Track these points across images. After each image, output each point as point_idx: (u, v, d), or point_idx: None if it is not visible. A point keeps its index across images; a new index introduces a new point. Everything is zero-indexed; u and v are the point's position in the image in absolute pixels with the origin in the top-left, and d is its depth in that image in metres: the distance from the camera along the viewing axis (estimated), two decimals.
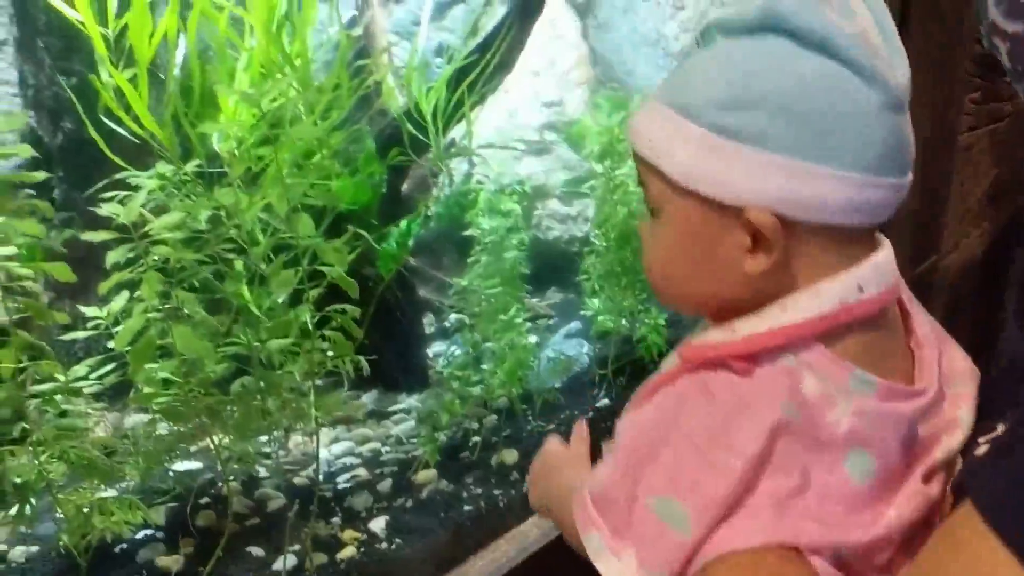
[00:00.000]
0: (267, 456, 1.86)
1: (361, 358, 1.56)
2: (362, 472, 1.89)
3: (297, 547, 1.59)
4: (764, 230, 0.77)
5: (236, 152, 1.60)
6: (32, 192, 1.19)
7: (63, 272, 1.21)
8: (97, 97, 1.59)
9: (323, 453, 1.98)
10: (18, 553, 1.52)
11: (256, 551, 1.58)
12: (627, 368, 2.26)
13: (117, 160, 1.57)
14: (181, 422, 1.49)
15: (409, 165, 2.40)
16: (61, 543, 1.44)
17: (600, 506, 0.86)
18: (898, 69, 0.77)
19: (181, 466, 1.73)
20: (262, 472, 1.83)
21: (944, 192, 2.64)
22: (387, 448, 2.02)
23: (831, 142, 0.76)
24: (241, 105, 1.70)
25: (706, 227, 0.81)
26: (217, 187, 1.55)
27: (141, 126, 1.60)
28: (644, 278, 0.94)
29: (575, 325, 2.73)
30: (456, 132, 2.41)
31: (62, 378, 1.49)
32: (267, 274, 1.38)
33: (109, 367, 1.47)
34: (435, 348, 2.53)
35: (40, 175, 1.27)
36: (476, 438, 2.02)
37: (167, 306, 1.36)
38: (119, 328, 1.35)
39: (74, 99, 1.67)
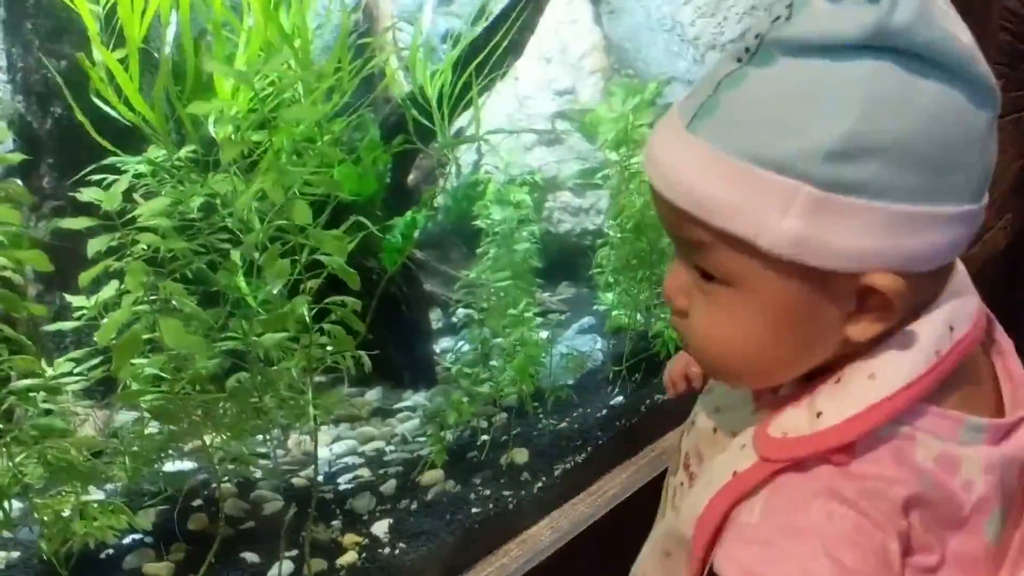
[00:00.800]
0: (264, 456, 1.78)
1: (363, 353, 1.48)
2: (365, 472, 1.81)
3: (295, 552, 1.51)
4: (889, 295, 0.66)
5: (232, 136, 1.52)
6: (16, 181, 1.10)
7: (40, 261, 1.13)
8: (88, 79, 1.51)
9: (324, 452, 1.89)
10: (4, 556, 1.44)
11: (251, 556, 1.50)
12: (643, 364, 2.17)
13: (106, 145, 1.50)
14: (171, 421, 1.42)
15: (415, 154, 2.32)
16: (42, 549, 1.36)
17: None
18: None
19: (173, 467, 1.64)
20: (259, 473, 1.74)
21: None
22: (391, 447, 1.94)
23: (952, 179, 0.66)
24: (237, 87, 1.62)
25: (805, 298, 0.69)
26: (211, 174, 1.48)
27: (132, 109, 1.53)
28: (661, 271, 0.82)
29: (588, 320, 2.64)
30: (464, 121, 2.33)
31: (48, 372, 1.42)
32: (261, 264, 1.30)
33: (96, 361, 1.39)
34: (443, 344, 2.45)
35: (17, 157, 1.19)
36: (485, 437, 1.94)
37: (154, 298, 1.28)
38: (104, 321, 1.27)
39: (62, 82, 1.60)
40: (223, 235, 1.45)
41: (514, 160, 2.67)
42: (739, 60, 0.67)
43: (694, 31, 2.91)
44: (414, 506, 1.72)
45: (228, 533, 1.55)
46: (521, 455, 1.91)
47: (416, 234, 2.07)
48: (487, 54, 1.95)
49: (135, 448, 1.45)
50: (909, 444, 0.68)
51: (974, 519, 0.69)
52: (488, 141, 2.56)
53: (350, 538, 1.60)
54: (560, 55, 2.92)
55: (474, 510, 1.73)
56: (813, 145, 0.63)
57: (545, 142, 2.93)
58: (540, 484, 1.87)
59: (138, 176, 1.43)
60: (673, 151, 0.69)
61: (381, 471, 1.82)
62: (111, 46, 1.51)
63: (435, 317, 2.55)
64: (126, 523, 1.29)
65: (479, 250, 2.05)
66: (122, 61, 1.51)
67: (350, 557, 1.55)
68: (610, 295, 2.24)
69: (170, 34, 1.47)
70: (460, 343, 1.97)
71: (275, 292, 1.36)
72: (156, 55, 1.61)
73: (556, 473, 1.91)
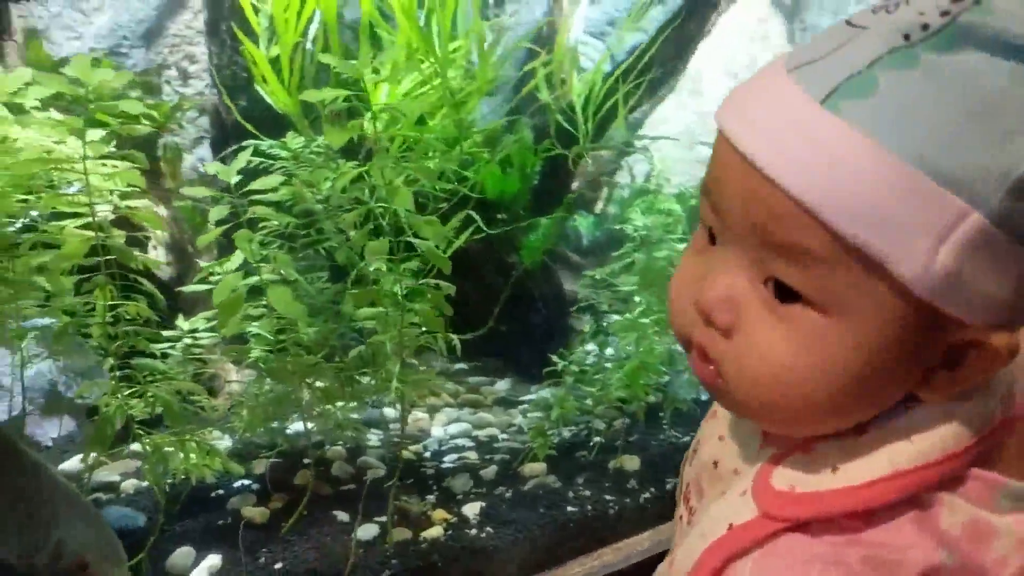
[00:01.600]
0: (379, 427, 1.90)
1: (454, 336, 1.55)
2: (471, 455, 1.88)
3: (383, 518, 1.61)
4: (1004, 355, 0.56)
5: (374, 129, 1.65)
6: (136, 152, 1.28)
7: (154, 221, 1.30)
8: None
9: (438, 432, 1.99)
10: (128, 486, 1.66)
11: (341, 515, 1.61)
12: None
13: (251, 130, 1.68)
14: (281, 379, 1.56)
15: (578, 161, 2.36)
16: (167, 482, 1.56)
17: None
18: None
19: (294, 427, 1.80)
20: (373, 441, 1.87)
21: None
22: (505, 436, 2.00)
23: None
24: (383, 85, 1.76)
25: (908, 346, 0.56)
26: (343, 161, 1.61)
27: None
28: None
29: None
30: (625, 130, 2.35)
31: (184, 326, 1.62)
32: (352, 242, 1.41)
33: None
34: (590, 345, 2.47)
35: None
36: (599, 439, 1.95)
37: (264, 265, 1.43)
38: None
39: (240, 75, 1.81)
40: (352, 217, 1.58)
41: (682, 171, 2.64)
42: (907, 37, 0.53)
43: None
44: (509, 494, 1.76)
45: (327, 491, 1.68)
46: (632, 462, 1.90)
47: (554, 236, 2.13)
48: (645, 66, 1.97)
49: (252, 404, 1.60)
50: (936, 508, 0.58)
51: None
52: (636, 148, 2.55)
53: (440, 514, 1.67)
54: (748, 71, 2.82)
55: (570, 508, 1.75)
56: (1003, 167, 0.51)
57: None
58: (648, 494, 1.84)
59: (272, 158, 1.59)
60: (796, 125, 0.54)
61: (487, 456, 1.88)
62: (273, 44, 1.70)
63: (586, 319, 2.58)
64: (220, 465, 1.43)
65: (615, 253, 2.06)
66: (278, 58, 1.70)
67: (436, 532, 1.62)
68: None
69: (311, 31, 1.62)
70: (585, 343, 1.99)
71: (372, 269, 1.46)
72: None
73: (668, 486, 1.88)
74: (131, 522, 1.53)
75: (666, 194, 2.17)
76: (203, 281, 1.51)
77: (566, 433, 2.01)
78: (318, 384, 1.53)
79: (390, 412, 2.02)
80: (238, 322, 1.43)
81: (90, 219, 1.27)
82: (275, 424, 1.69)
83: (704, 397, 2.19)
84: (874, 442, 0.59)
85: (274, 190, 1.39)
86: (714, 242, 0.62)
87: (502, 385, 2.23)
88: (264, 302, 1.45)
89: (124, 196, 1.30)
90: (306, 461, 1.70)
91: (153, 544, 1.42)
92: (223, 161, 1.52)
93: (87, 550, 1.31)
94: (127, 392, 1.29)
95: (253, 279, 1.42)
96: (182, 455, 1.39)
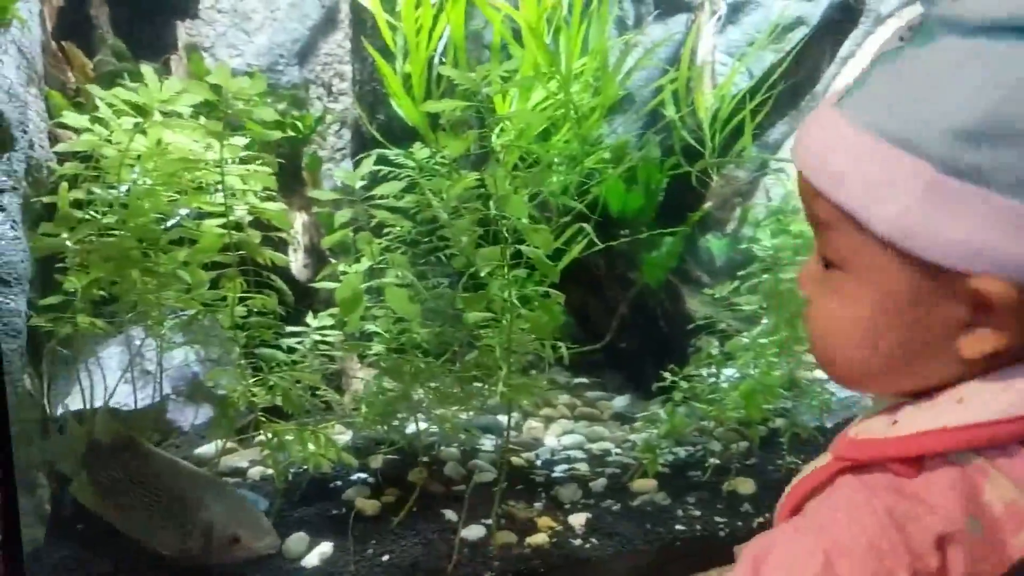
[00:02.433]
0: (493, 432, 1.94)
1: (562, 345, 1.57)
2: (582, 467, 1.89)
3: (490, 521, 1.64)
4: (996, 304, 0.59)
5: (500, 143, 1.71)
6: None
7: (281, 219, 1.39)
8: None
9: (551, 441, 2.01)
10: (255, 472, 1.76)
11: (449, 514, 1.66)
12: None
13: (381, 140, 1.76)
14: (397, 378, 1.63)
15: (705, 179, 2.34)
16: (291, 470, 1.65)
17: None
18: None
19: (413, 427, 1.86)
20: (487, 446, 1.91)
21: None
22: (618, 451, 2.00)
23: None
24: (508, 99, 1.81)
25: (913, 293, 0.62)
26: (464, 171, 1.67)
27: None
28: None
29: None
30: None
31: (312, 323, 1.71)
32: (459, 251, 1.45)
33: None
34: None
35: None
36: (713, 460, 1.91)
37: (384, 267, 1.50)
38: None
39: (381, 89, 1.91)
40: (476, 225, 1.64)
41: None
42: (901, 39, 0.64)
43: None
44: (617, 507, 1.76)
45: (438, 490, 1.74)
46: (746, 485, 1.86)
47: (677, 254, 2.12)
48: (774, 85, 1.95)
49: (371, 401, 1.68)
50: (979, 478, 0.60)
51: None
52: (771, 170, 2.50)
53: (545, 521, 1.69)
54: None
55: (678, 527, 1.73)
56: (944, 122, 0.58)
57: None
58: (762, 519, 1.80)
59: (400, 167, 1.66)
60: (815, 126, 0.66)
61: (597, 469, 1.89)
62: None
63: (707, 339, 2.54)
64: (336, 455, 1.51)
65: (741, 273, 2.02)
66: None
67: (540, 538, 1.64)
68: None
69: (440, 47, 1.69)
70: (701, 362, 1.95)
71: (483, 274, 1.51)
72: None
73: None
74: (255, 505, 1.63)
75: (800, 217, 2.11)
76: (329, 279, 1.60)
77: (681, 452, 1.99)
78: (432, 385, 1.58)
79: (505, 419, 2.06)
80: (358, 319, 1.51)
81: (228, 219, 1.38)
82: (395, 423, 1.76)
83: (829, 425, 2.11)
84: (934, 404, 0.64)
85: (397, 196, 1.45)
86: None
87: (620, 401, 2.23)
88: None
89: (259, 198, 1.40)
90: (420, 460, 1.76)
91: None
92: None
93: (235, 525, 1.42)
94: (252, 380, 1.39)
95: (374, 281, 1.50)
96: (300, 445, 1.47)
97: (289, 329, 1.60)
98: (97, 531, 1.52)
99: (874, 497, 0.62)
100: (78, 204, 1.49)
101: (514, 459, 1.88)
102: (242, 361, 1.40)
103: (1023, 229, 0.57)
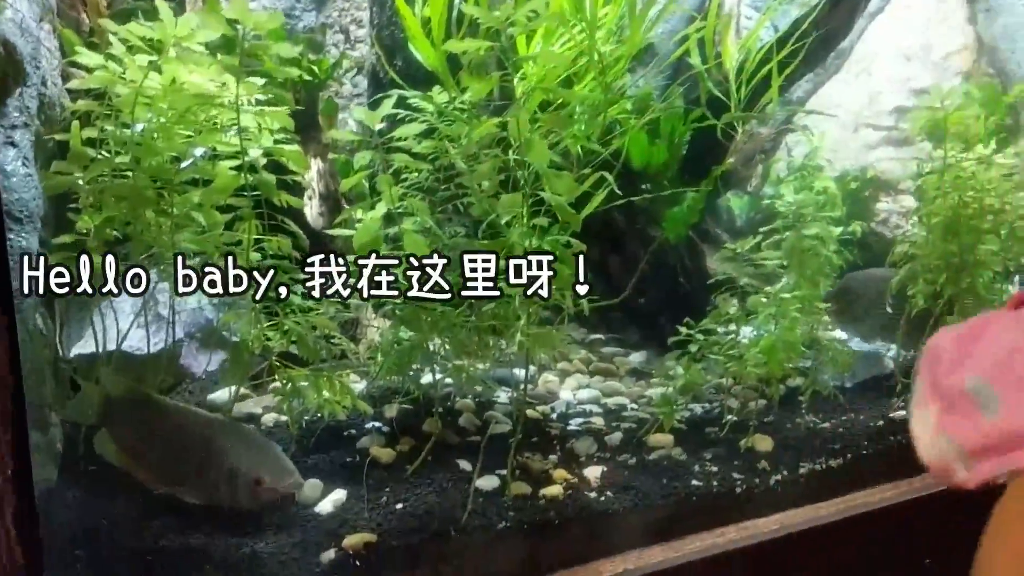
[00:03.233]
0: (509, 385, 1.92)
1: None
2: (598, 421, 1.87)
3: (504, 472, 1.63)
4: None
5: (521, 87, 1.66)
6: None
7: (298, 160, 1.36)
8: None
9: (567, 395, 1.99)
10: (269, 419, 1.75)
11: (464, 464, 1.64)
12: None
13: (400, 82, 1.72)
14: (412, 328, 1.61)
15: (730, 133, 2.29)
16: (305, 418, 1.64)
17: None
18: None
19: (428, 377, 1.84)
20: (502, 398, 1.89)
21: None
22: (634, 406, 1.97)
23: None
24: (537, 44, 1.76)
25: None
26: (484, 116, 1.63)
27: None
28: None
29: None
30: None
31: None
32: (478, 199, 1.42)
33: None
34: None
35: None
36: (731, 417, 1.89)
37: (402, 212, 1.47)
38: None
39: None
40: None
41: (844, 155, 2.51)
42: None
43: None
44: (633, 461, 1.74)
45: (453, 440, 1.72)
46: (764, 443, 1.83)
47: (699, 210, 2.07)
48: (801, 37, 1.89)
49: (387, 350, 1.65)
50: None
51: None
52: (796, 126, 2.44)
53: (560, 473, 1.67)
54: (922, 53, 2.66)
55: (694, 482, 1.71)
56: None
57: (894, 141, 2.69)
58: (780, 476, 1.78)
59: (418, 111, 1.62)
60: None
61: (613, 424, 1.87)
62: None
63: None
64: (351, 402, 1.49)
65: (762, 229, 1.98)
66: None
67: (555, 490, 1.62)
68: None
69: None
70: (720, 317, 1.92)
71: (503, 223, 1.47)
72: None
73: (801, 470, 1.81)
74: None
75: (824, 174, 2.06)
76: (344, 225, 1.57)
77: (698, 409, 1.97)
78: (449, 336, 1.56)
79: (521, 372, 2.04)
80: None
81: (243, 160, 1.34)
82: (410, 373, 1.73)
83: (848, 385, 2.09)
84: None
85: (416, 140, 1.42)
86: None
87: (636, 357, 2.21)
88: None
89: (276, 140, 1.37)
90: (435, 410, 1.74)
91: None
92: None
93: (258, 469, 1.42)
94: (266, 324, 1.36)
95: (392, 228, 1.47)
96: (315, 391, 1.45)
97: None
98: (110, 472, 1.51)
99: None
100: (91, 143, 1.46)
101: (529, 412, 1.86)
102: (256, 305, 1.37)
103: None
